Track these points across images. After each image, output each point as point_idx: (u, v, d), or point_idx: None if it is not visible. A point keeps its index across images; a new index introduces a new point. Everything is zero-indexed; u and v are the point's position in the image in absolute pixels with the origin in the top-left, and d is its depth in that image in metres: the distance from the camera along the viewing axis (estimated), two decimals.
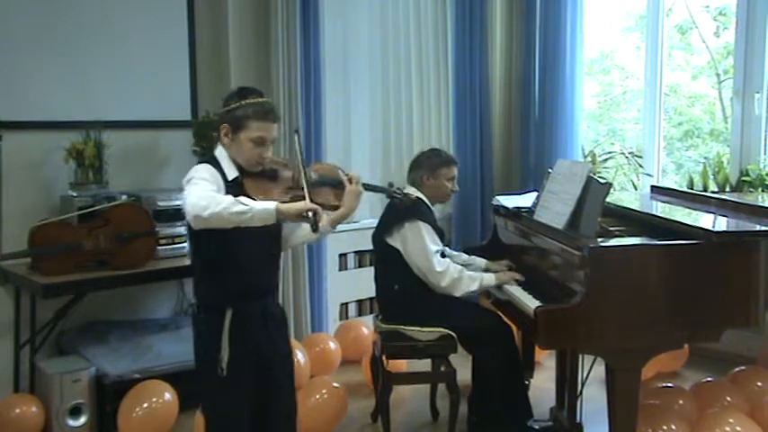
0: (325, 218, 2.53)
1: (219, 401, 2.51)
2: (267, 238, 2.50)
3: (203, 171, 2.40)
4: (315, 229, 2.29)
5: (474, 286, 3.29)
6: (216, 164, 2.47)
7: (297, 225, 2.61)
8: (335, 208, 2.58)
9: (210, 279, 2.49)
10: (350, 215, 2.61)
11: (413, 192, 3.48)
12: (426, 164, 3.52)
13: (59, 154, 3.76)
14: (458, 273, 3.30)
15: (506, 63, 5.37)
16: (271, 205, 2.26)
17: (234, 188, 2.41)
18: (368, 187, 2.69)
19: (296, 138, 2.66)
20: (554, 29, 4.99)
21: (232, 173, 2.46)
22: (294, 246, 2.80)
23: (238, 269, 2.46)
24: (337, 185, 2.60)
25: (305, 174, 2.47)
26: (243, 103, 2.44)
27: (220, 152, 2.50)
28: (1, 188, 3.68)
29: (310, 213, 2.28)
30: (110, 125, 3.88)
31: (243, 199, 2.27)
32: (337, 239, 4.76)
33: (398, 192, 2.86)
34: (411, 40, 5.13)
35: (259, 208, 2.25)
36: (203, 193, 2.28)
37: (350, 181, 2.56)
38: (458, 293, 3.31)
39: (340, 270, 4.86)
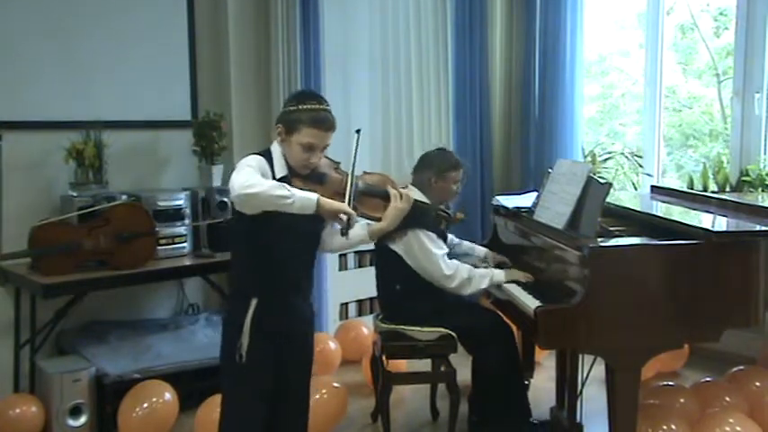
0: (359, 228, 2.66)
1: (236, 388, 2.54)
2: (307, 237, 2.56)
3: (252, 160, 2.46)
4: (344, 233, 2.38)
5: (485, 283, 3.27)
6: (269, 158, 2.51)
7: (335, 231, 2.66)
8: (377, 220, 2.65)
9: (244, 267, 2.56)
10: (389, 230, 2.73)
11: (415, 193, 3.46)
12: (435, 166, 3.45)
13: (59, 154, 3.76)
14: (467, 272, 3.29)
15: (506, 63, 5.37)
16: (313, 196, 2.34)
17: None
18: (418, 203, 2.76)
19: (356, 138, 2.69)
20: (554, 29, 4.99)
21: (281, 171, 2.50)
22: (331, 251, 2.82)
23: (272, 262, 2.49)
24: (382, 198, 2.66)
25: (352, 179, 2.54)
26: (300, 107, 2.49)
27: (275, 148, 2.54)
28: (1, 188, 3.68)
29: (344, 217, 2.37)
30: (110, 125, 3.89)
31: (286, 185, 2.34)
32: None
33: (445, 211, 2.88)
34: (411, 39, 5.13)
35: (301, 195, 2.32)
36: (249, 174, 2.34)
37: (396, 197, 2.65)
38: (467, 292, 3.30)
39: (340, 270, 4.86)
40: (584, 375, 3.19)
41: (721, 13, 5.72)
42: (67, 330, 3.88)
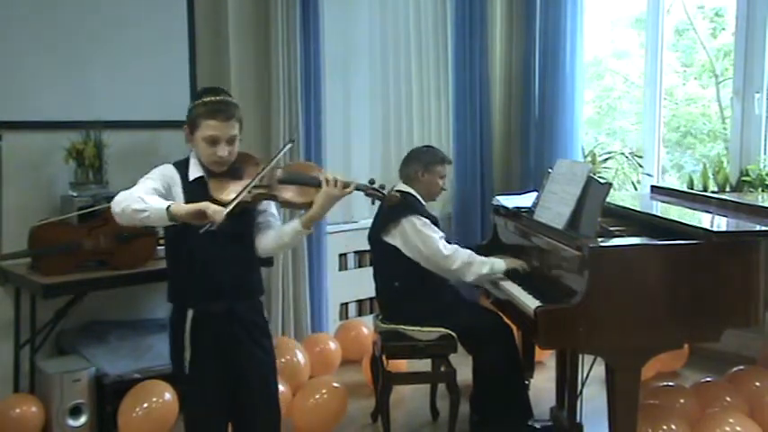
0: (292, 222, 2.57)
1: (188, 400, 2.55)
2: (228, 240, 2.42)
3: (154, 171, 2.45)
4: (201, 230, 2.22)
5: (485, 269, 3.27)
6: (184, 163, 2.48)
7: (267, 229, 2.58)
8: (306, 206, 2.53)
9: (175, 278, 2.52)
10: (323, 216, 2.58)
11: (405, 187, 3.50)
12: (421, 159, 3.53)
13: (59, 154, 3.76)
14: (468, 256, 3.30)
15: (506, 63, 5.37)
16: (163, 204, 2.25)
17: (196, 188, 2.42)
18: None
19: (283, 146, 2.68)
20: (554, 29, 5.00)
21: (195, 173, 2.46)
22: (273, 253, 2.76)
23: (196, 269, 2.43)
24: (309, 184, 2.55)
25: (261, 172, 2.46)
26: (197, 102, 2.45)
27: (192, 152, 2.51)
28: (1, 188, 3.68)
29: (202, 215, 2.22)
30: (110, 125, 3.88)
31: (147, 197, 2.28)
32: (337, 239, 4.77)
33: (379, 190, 2.66)
34: (411, 40, 5.13)
35: (155, 207, 2.25)
36: (127, 192, 2.32)
37: (326, 182, 2.50)
38: (470, 277, 3.30)
39: (340, 270, 4.86)
40: (584, 375, 3.19)
41: (717, 14, 5.73)
42: (67, 330, 3.87)
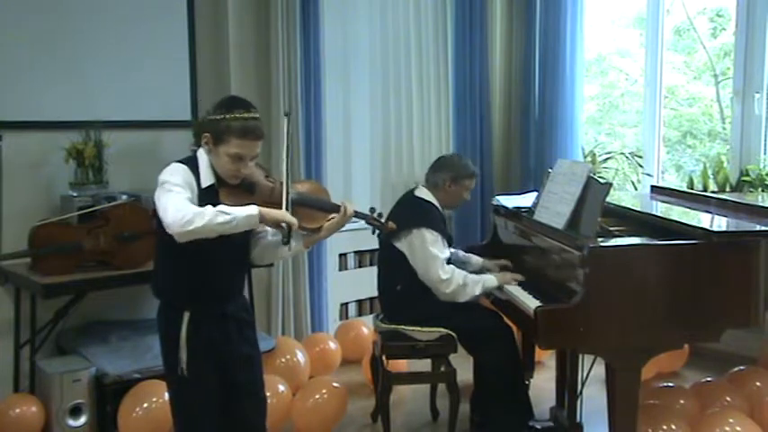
0: (294, 243, 2.54)
1: (182, 401, 2.52)
2: (233, 247, 2.44)
3: (177, 176, 2.35)
4: (285, 242, 2.34)
5: (478, 290, 3.30)
6: (194, 166, 2.42)
7: (266, 243, 2.59)
8: (311, 230, 2.55)
9: (173, 280, 2.48)
10: (327, 238, 2.67)
11: (425, 194, 3.50)
12: (452, 170, 3.51)
13: (59, 154, 3.76)
14: (462, 279, 3.31)
15: (506, 63, 5.37)
16: (254, 210, 2.28)
17: (207, 195, 2.38)
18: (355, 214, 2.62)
19: (285, 122, 2.65)
20: (554, 29, 5.00)
21: (207, 180, 2.41)
22: (268, 262, 2.77)
23: (202, 275, 2.42)
24: (321, 209, 2.57)
25: (287, 184, 2.45)
26: (227, 116, 2.37)
27: (201, 155, 2.44)
28: (1, 188, 3.68)
29: (284, 225, 2.33)
30: (110, 125, 3.88)
31: (223, 208, 2.26)
32: (337, 239, 4.76)
33: (377, 219, 2.71)
34: (411, 40, 5.13)
35: (242, 215, 2.26)
36: (182, 206, 2.25)
37: (338, 210, 2.54)
38: (462, 299, 3.32)
39: (340, 270, 4.86)
40: (585, 375, 3.19)
41: (718, 14, 5.73)
42: (67, 330, 3.87)
